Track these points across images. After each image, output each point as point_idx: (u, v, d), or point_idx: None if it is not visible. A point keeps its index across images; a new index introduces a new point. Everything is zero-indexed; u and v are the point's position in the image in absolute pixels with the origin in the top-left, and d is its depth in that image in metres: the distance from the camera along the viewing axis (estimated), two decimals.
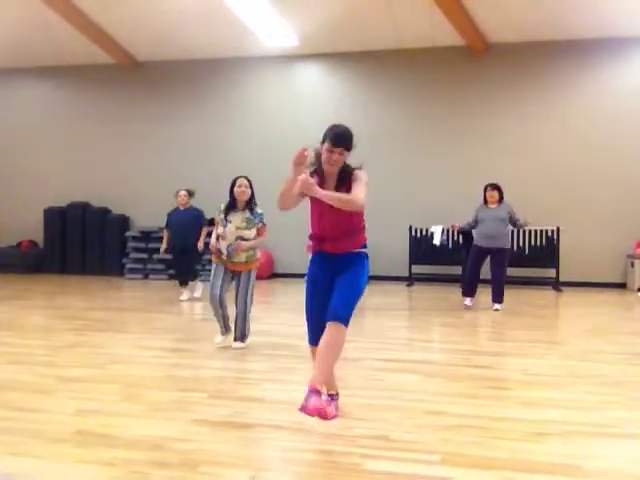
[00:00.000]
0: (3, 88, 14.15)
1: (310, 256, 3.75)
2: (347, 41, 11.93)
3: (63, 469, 2.91)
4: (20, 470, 2.89)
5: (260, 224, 5.69)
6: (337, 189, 3.55)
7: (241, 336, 5.69)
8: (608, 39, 11.21)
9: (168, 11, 11.09)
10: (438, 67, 11.98)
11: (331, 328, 3.39)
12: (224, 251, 5.62)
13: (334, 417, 3.47)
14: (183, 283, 9.26)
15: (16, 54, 13.09)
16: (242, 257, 5.62)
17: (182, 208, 9.20)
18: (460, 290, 9.43)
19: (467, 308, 8.31)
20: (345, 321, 3.41)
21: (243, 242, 5.58)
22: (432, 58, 11.97)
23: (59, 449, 3.13)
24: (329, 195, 3.44)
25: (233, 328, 5.74)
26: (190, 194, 9.29)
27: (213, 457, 3.04)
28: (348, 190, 3.52)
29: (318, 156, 3.61)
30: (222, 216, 5.68)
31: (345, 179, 3.57)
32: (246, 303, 5.64)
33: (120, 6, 11.13)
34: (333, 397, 3.68)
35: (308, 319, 3.66)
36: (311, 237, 3.70)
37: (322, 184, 3.55)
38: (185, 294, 9.15)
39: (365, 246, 3.68)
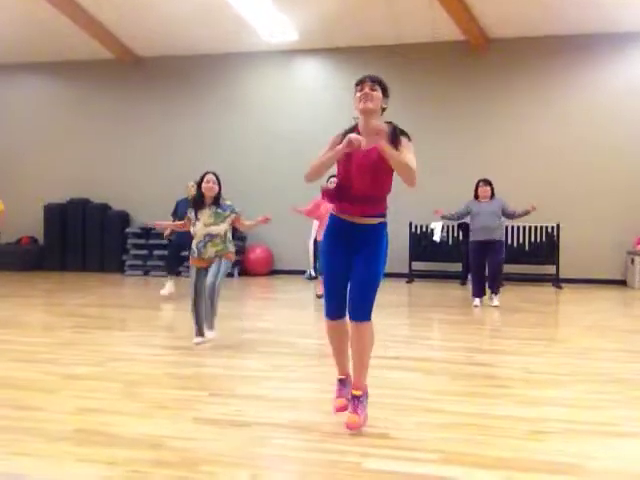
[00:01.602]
0: (2, 84, 14.13)
1: (327, 226, 3.54)
2: (347, 36, 11.91)
3: (63, 468, 2.91)
4: (20, 469, 2.89)
5: (233, 215, 5.71)
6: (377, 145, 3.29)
7: (210, 323, 5.70)
8: (609, 34, 11.20)
9: (168, 6, 11.07)
10: (438, 62, 11.97)
11: (356, 328, 3.38)
12: (194, 249, 5.65)
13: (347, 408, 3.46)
14: (171, 274, 9.21)
15: (16, 50, 13.08)
16: (211, 252, 5.62)
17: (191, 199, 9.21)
18: (460, 285, 9.44)
19: (476, 307, 8.28)
20: (367, 317, 3.37)
21: (246, 222, 5.77)
22: (432, 53, 11.96)
23: (59, 447, 3.13)
24: (392, 153, 3.18)
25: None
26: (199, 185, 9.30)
27: (214, 456, 3.03)
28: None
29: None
30: (193, 214, 5.71)
31: (389, 139, 3.29)
32: (215, 285, 5.57)
33: (120, 1, 11.11)
34: (343, 382, 3.63)
35: (326, 289, 3.52)
36: (335, 191, 3.46)
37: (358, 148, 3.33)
38: (167, 288, 9.09)
39: (384, 215, 3.49)
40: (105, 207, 13.32)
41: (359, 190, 3.38)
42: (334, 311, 3.50)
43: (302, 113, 12.44)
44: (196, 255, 5.66)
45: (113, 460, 2.96)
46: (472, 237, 8.43)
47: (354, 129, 3.48)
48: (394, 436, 3.30)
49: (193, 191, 9.25)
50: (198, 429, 3.41)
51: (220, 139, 12.92)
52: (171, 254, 9.51)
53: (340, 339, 3.58)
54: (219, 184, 5.73)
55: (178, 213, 9.24)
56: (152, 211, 12.65)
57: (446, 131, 11.95)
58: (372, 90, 3.40)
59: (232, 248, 5.78)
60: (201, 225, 5.64)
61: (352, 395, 3.45)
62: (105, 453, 3.05)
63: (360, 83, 3.44)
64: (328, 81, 12.61)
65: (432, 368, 4.89)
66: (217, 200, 5.71)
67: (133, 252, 12.74)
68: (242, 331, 6.08)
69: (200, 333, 5.73)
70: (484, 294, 8.43)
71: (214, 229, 5.62)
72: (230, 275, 11.54)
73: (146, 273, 12.54)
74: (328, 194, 3.51)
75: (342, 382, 3.64)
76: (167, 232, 9.45)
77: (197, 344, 5.65)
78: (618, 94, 11.38)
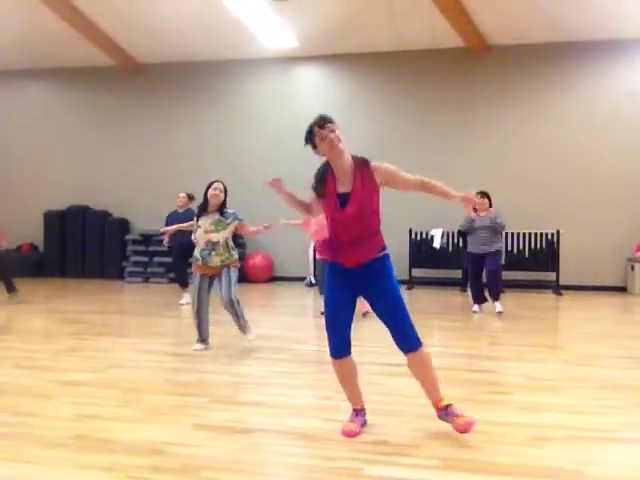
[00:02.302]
0: (3, 90, 14.16)
1: (326, 265, 3.50)
2: (347, 43, 11.94)
3: (62, 474, 2.90)
4: (19, 475, 2.88)
5: (236, 221, 5.73)
6: (356, 183, 3.28)
7: (244, 331, 5.77)
8: (607, 41, 11.23)
9: (168, 13, 11.10)
10: (438, 69, 12.00)
11: (412, 358, 3.41)
12: (198, 256, 5.68)
13: (358, 434, 3.40)
14: (184, 286, 9.23)
15: (15, 56, 13.10)
16: (216, 261, 5.66)
17: (180, 210, 9.22)
18: (460, 292, 9.38)
19: (475, 312, 8.31)
20: (418, 342, 3.39)
21: (250, 228, 5.77)
22: (432, 60, 11.98)
23: (58, 454, 3.12)
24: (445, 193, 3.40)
25: (237, 328, 5.80)
26: (190, 198, 9.32)
27: (213, 462, 3.03)
28: (370, 184, 3.29)
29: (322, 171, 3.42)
30: (195, 219, 5.80)
31: (364, 172, 3.29)
32: (232, 299, 5.65)
33: (121, 8, 11.14)
34: (358, 413, 3.55)
35: (330, 331, 3.45)
36: (325, 243, 3.48)
37: (336, 185, 3.33)
38: (185, 298, 9.10)
39: (384, 248, 3.43)
40: (105, 214, 13.32)
41: (349, 237, 3.32)
42: (338, 350, 3.45)
43: (301, 119, 12.35)
44: (200, 263, 5.68)
45: (112, 466, 2.96)
46: (469, 248, 8.46)
47: (326, 171, 3.39)
48: (394, 442, 3.30)
49: (184, 201, 9.32)
50: (198, 435, 3.41)
51: (220, 145, 12.94)
52: (178, 266, 9.48)
53: (348, 375, 3.54)
54: (225, 194, 5.77)
55: (170, 225, 9.20)
56: (152, 218, 12.66)
57: (445, 137, 11.96)
58: (332, 132, 3.30)
59: (236, 255, 5.81)
60: (201, 232, 5.67)
61: (441, 406, 3.42)
62: (104, 459, 3.04)
63: (317, 129, 3.32)
64: (328, 87, 12.64)
65: None
66: (221, 208, 5.73)
67: (133, 259, 12.73)
68: (242, 338, 6.07)
69: (201, 340, 5.74)
70: (484, 301, 8.42)
71: (214, 236, 5.64)
72: None
73: (146, 280, 12.52)
74: (321, 247, 3.53)
75: (357, 412, 3.55)
76: (166, 239, 9.41)
77: (196, 350, 5.66)
78: (617, 100, 11.40)
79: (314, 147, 3.38)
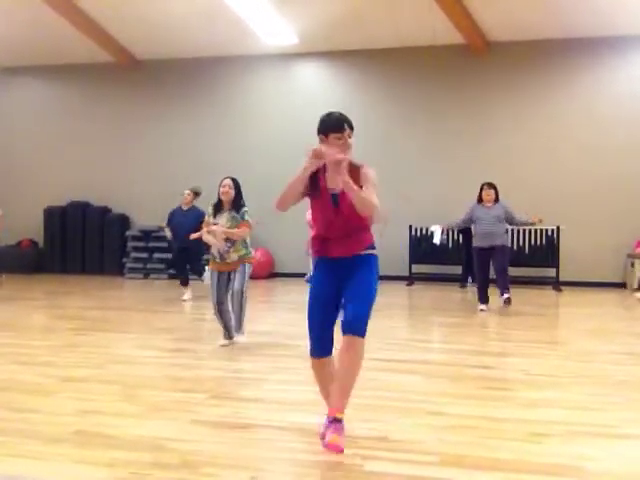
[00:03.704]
0: (2, 87, 14.14)
1: (313, 259, 3.48)
2: (347, 39, 11.92)
3: (63, 470, 2.91)
4: (20, 471, 2.89)
5: (241, 220, 5.71)
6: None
7: (239, 327, 5.74)
8: (608, 37, 11.21)
9: (168, 9, 11.08)
10: (438, 66, 11.97)
11: (347, 342, 3.08)
12: (216, 253, 5.69)
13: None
14: (184, 283, 9.23)
15: (15, 53, 13.07)
16: (234, 257, 5.67)
17: (185, 208, 9.19)
18: (460, 288, 9.30)
19: (482, 311, 8.07)
20: (361, 332, 3.10)
21: (216, 228, 5.63)
22: (432, 57, 11.95)
23: (59, 450, 3.13)
24: (354, 189, 3.10)
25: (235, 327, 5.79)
26: (196, 193, 9.27)
27: (213, 458, 3.03)
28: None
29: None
30: (212, 219, 5.77)
31: (354, 177, 3.20)
32: (242, 290, 5.67)
33: (120, 4, 11.11)
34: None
35: (311, 330, 3.31)
36: (314, 238, 3.41)
37: (326, 185, 3.26)
38: (187, 294, 9.12)
39: (373, 247, 3.36)
40: (105, 210, 13.32)
41: (340, 229, 3.27)
42: (319, 351, 3.27)
43: (302, 116, 12.41)
44: (219, 259, 5.68)
45: (113, 462, 2.96)
46: (475, 243, 8.28)
47: (320, 168, 3.27)
48: (394, 438, 3.30)
49: (189, 199, 9.32)
50: (198, 431, 3.41)
51: (219, 141, 12.92)
52: (178, 264, 9.48)
53: (327, 376, 3.30)
54: (237, 189, 5.76)
55: (173, 223, 9.22)
56: (152, 214, 12.66)
57: (446, 134, 11.94)
58: (349, 137, 3.27)
59: (253, 252, 5.89)
60: (220, 229, 5.65)
61: (333, 418, 3.05)
62: (104, 455, 3.05)
63: (339, 130, 3.24)
64: (328, 84, 12.62)
65: (432, 370, 4.89)
66: (236, 204, 5.73)
67: (133, 255, 12.74)
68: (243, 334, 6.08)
69: (228, 337, 5.74)
70: (488, 300, 8.24)
71: (232, 232, 5.64)
72: None
73: (146, 276, 12.52)
74: (312, 248, 3.43)
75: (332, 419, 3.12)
76: (169, 234, 9.41)
77: (222, 346, 5.66)
78: (618, 97, 11.38)
79: (325, 136, 3.27)
